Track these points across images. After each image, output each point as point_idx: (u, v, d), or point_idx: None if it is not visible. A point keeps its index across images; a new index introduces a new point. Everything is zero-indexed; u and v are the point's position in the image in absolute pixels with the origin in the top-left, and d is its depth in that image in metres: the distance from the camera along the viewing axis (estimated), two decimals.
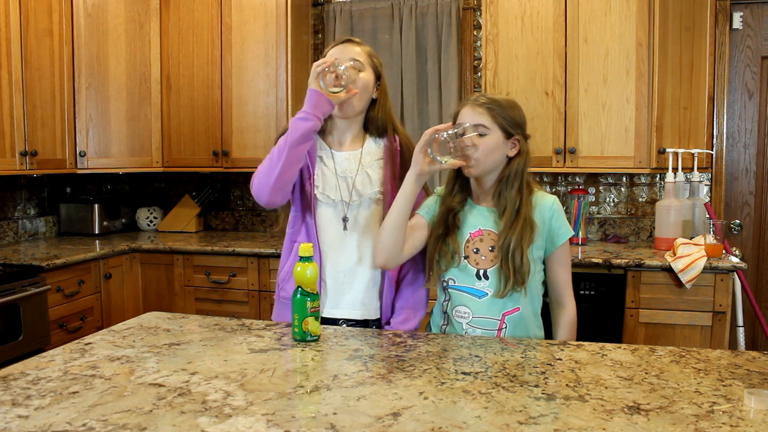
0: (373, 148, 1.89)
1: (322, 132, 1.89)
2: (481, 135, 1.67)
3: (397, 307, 1.87)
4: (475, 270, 1.71)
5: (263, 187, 1.79)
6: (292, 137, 1.71)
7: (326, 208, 1.85)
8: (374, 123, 1.87)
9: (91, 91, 3.54)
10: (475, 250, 1.72)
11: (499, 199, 1.71)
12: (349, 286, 1.85)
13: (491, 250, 1.70)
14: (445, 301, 1.78)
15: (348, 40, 1.85)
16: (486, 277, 1.70)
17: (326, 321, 1.81)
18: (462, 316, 1.73)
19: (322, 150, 1.88)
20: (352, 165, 1.86)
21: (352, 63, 1.78)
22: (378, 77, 1.86)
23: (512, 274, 1.65)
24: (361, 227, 1.85)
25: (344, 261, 1.85)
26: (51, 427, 1.08)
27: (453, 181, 1.78)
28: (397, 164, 1.87)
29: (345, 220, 1.84)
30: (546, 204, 1.73)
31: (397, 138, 1.88)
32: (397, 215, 1.68)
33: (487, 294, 1.71)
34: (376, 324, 1.87)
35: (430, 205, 1.80)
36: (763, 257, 3.46)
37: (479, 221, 1.74)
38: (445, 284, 1.76)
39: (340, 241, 1.85)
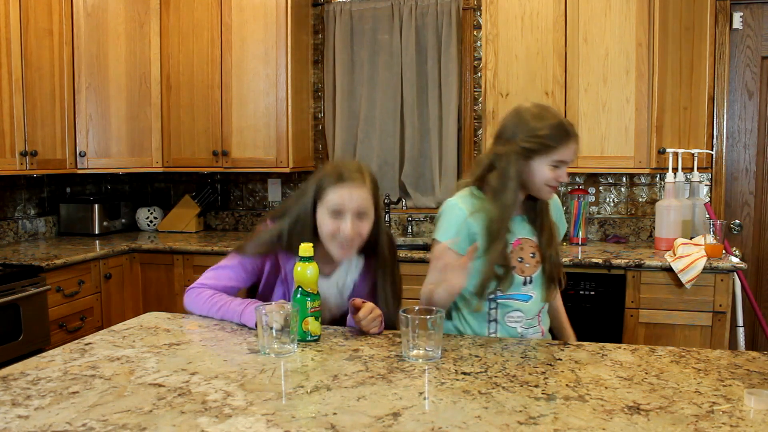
0: (353, 269, 1.84)
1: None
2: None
3: None
4: (523, 279, 1.74)
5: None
6: (226, 317, 1.73)
7: None
8: (365, 244, 1.78)
9: (91, 91, 3.54)
10: (519, 259, 1.74)
11: (534, 208, 1.76)
12: None
13: (533, 257, 1.75)
14: (491, 309, 1.75)
15: (353, 181, 1.67)
16: (531, 282, 1.75)
17: None
18: (516, 321, 1.75)
19: None
20: (332, 291, 1.83)
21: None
22: (376, 206, 1.75)
23: (555, 276, 1.75)
24: None
25: None
26: (51, 427, 1.08)
27: (510, 205, 1.69)
28: (372, 280, 1.82)
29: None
30: (555, 202, 1.84)
31: (386, 263, 1.81)
32: (443, 302, 1.65)
33: (532, 297, 1.76)
34: None
35: (462, 236, 1.70)
36: (763, 257, 3.46)
37: (517, 231, 1.76)
38: (489, 295, 1.75)
39: None
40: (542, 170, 1.66)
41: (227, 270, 1.82)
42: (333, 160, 3.86)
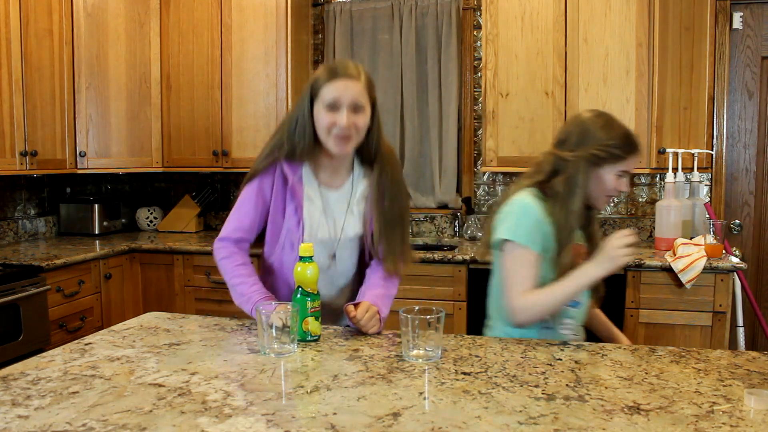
0: (362, 182, 1.83)
1: (313, 165, 1.80)
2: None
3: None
4: None
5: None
6: (236, 299, 1.75)
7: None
8: (367, 151, 1.79)
9: (91, 91, 3.54)
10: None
11: (586, 215, 1.77)
12: (331, 315, 1.83)
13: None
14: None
15: (350, 76, 1.68)
16: None
17: None
18: (567, 327, 1.76)
19: (311, 189, 1.79)
20: (341, 206, 1.81)
21: None
22: (373, 104, 1.74)
23: (599, 283, 1.75)
24: (344, 262, 1.84)
25: (325, 293, 1.80)
26: (51, 427, 1.08)
27: (575, 211, 1.69)
28: (381, 203, 1.81)
29: (333, 257, 1.82)
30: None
31: (385, 175, 1.81)
32: (563, 301, 1.66)
33: (581, 303, 1.77)
34: None
35: (537, 238, 1.68)
36: (763, 257, 3.46)
37: None
38: None
39: (324, 275, 1.78)
40: (608, 179, 1.69)
41: (245, 205, 1.81)
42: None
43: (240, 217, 1.82)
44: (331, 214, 1.80)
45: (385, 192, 1.79)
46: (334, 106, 1.68)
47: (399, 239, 1.80)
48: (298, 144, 1.73)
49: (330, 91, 1.68)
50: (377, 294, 1.74)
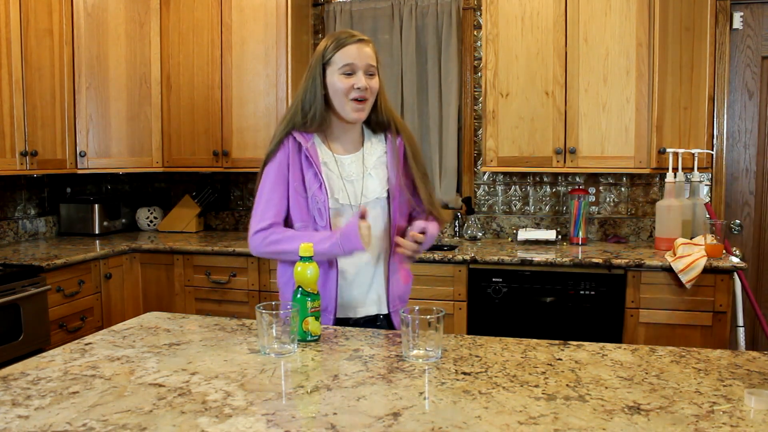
0: (375, 147, 1.88)
1: (324, 137, 1.85)
2: None
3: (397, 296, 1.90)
4: None
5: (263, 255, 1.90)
6: (320, 253, 1.71)
7: (336, 214, 1.83)
8: (375, 119, 1.86)
9: (91, 91, 3.54)
10: None
11: None
12: (367, 286, 1.85)
13: None
14: None
15: (360, 40, 1.76)
16: None
17: (344, 322, 1.83)
18: None
19: (326, 156, 1.83)
20: (357, 168, 1.84)
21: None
22: (378, 69, 1.82)
23: None
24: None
25: (358, 262, 1.83)
26: (51, 427, 1.08)
27: None
28: (401, 164, 1.87)
29: None
30: None
31: (400, 137, 1.88)
32: None
33: None
34: (385, 317, 1.90)
35: None
36: (763, 257, 3.46)
37: None
38: None
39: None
40: None
41: (266, 187, 1.83)
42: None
43: (265, 203, 1.84)
44: (348, 177, 1.83)
45: (408, 150, 1.87)
46: (350, 71, 1.74)
47: (431, 188, 1.91)
48: (310, 111, 1.77)
49: (344, 57, 1.74)
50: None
